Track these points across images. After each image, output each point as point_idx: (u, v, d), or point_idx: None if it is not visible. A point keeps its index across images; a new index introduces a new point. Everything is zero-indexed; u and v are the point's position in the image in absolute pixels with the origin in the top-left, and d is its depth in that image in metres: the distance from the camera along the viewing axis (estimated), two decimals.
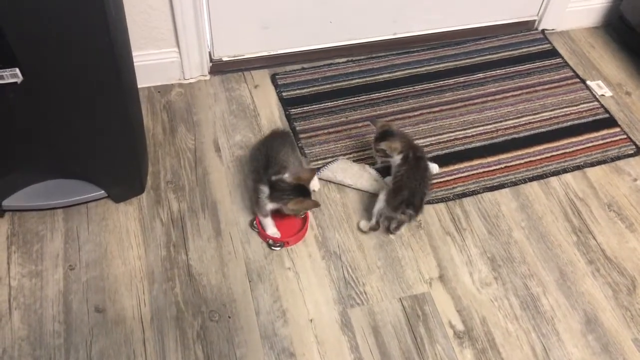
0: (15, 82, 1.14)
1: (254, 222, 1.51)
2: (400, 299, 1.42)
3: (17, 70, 1.12)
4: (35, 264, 1.44)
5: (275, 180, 1.40)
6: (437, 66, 1.97)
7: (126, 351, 1.31)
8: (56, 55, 1.14)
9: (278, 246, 1.48)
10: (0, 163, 1.39)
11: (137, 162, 1.52)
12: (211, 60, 1.89)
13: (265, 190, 1.41)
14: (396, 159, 1.51)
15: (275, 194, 1.40)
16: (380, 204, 1.49)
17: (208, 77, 1.90)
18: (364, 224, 1.52)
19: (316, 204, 1.45)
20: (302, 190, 1.41)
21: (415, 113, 1.82)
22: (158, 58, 1.79)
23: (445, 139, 1.75)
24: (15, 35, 1.07)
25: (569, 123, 1.82)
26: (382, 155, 1.54)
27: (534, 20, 2.13)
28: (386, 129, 1.55)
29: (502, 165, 1.69)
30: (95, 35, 1.14)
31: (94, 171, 1.48)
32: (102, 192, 1.52)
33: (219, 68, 1.90)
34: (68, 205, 1.53)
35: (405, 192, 1.44)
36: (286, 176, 1.41)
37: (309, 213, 1.52)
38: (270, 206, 1.43)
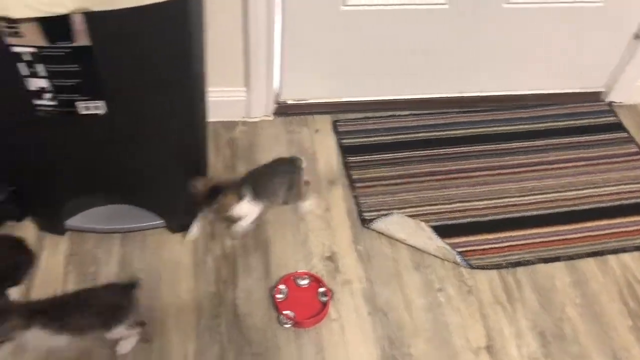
0: (97, 114, 1.19)
1: (274, 290, 1.48)
2: None
3: (103, 103, 1.17)
4: (88, 284, 1.47)
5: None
6: (500, 128, 1.96)
7: None
8: (140, 91, 1.19)
9: (287, 324, 1.43)
10: (71, 186, 1.43)
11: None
12: (276, 102, 1.93)
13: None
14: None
15: None
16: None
17: (271, 118, 1.94)
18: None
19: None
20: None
21: (474, 174, 1.81)
22: (227, 95, 1.84)
23: (503, 204, 1.73)
24: (106, 71, 1.12)
25: (631, 201, 1.78)
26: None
27: (602, 92, 2.10)
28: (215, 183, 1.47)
29: (559, 238, 1.66)
30: (179, 74, 1.19)
31: (155, 200, 1.51)
32: (161, 221, 1.56)
33: (282, 110, 1.94)
34: (126, 231, 1.57)
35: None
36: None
37: (330, 301, 1.47)
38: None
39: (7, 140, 1.29)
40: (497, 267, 1.58)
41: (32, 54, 1.06)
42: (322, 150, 1.86)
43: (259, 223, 1.63)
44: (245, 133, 1.89)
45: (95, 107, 1.17)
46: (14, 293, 1.42)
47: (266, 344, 1.40)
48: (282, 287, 1.48)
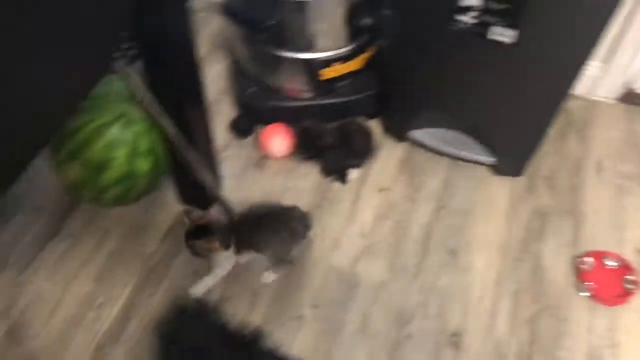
0: (503, 42, 1.31)
1: (579, 259, 1.50)
2: None
3: (515, 34, 1.28)
4: (414, 191, 1.66)
5: None
6: None
7: (464, 298, 1.45)
8: (552, 33, 1.27)
9: (585, 293, 1.46)
10: (433, 103, 1.60)
11: (533, 147, 1.62)
12: (626, 88, 1.88)
13: None
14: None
15: None
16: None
17: (613, 102, 1.90)
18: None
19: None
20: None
21: None
22: None
23: None
24: (537, 4, 1.22)
25: None
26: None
27: None
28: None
29: None
30: (595, 28, 1.24)
31: (497, 139, 1.61)
32: (490, 159, 1.66)
33: (629, 98, 1.89)
34: (455, 158, 1.71)
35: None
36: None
37: (636, 291, 1.45)
38: None
39: (409, 45, 1.49)
40: None
41: None
42: None
43: (578, 197, 1.65)
44: (582, 109, 1.89)
45: (506, 36, 1.29)
46: (354, 174, 1.67)
47: (560, 301, 1.45)
48: (588, 259, 1.50)
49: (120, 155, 1.36)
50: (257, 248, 1.38)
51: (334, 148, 1.60)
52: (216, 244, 1.32)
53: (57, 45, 0.85)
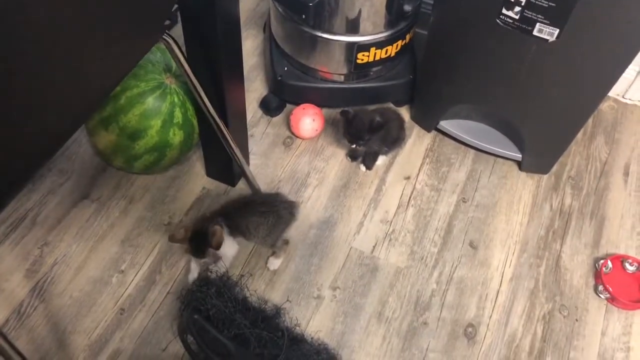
0: (546, 40, 1.30)
1: (600, 262, 1.51)
2: None
3: (557, 32, 1.28)
4: (438, 181, 1.66)
5: None
6: None
7: (480, 291, 1.47)
8: (592, 38, 1.27)
9: (603, 295, 1.47)
10: (461, 96, 1.60)
11: (562, 147, 1.62)
12: None
13: None
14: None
15: None
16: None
17: None
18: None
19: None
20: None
21: None
22: None
23: None
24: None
25: None
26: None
27: None
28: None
29: None
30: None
31: (526, 136, 1.61)
32: (516, 155, 1.66)
33: None
34: (482, 150, 1.71)
35: None
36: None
37: None
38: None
39: (449, 35, 1.48)
40: None
41: None
42: None
43: (603, 199, 1.66)
44: (613, 110, 1.88)
45: (548, 33, 1.28)
46: (380, 161, 1.68)
47: (576, 302, 1.46)
48: (608, 262, 1.51)
49: (154, 125, 1.38)
50: (245, 233, 1.37)
51: (376, 134, 1.58)
52: (220, 229, 1.29)
53: (115, 18, 0.86)
